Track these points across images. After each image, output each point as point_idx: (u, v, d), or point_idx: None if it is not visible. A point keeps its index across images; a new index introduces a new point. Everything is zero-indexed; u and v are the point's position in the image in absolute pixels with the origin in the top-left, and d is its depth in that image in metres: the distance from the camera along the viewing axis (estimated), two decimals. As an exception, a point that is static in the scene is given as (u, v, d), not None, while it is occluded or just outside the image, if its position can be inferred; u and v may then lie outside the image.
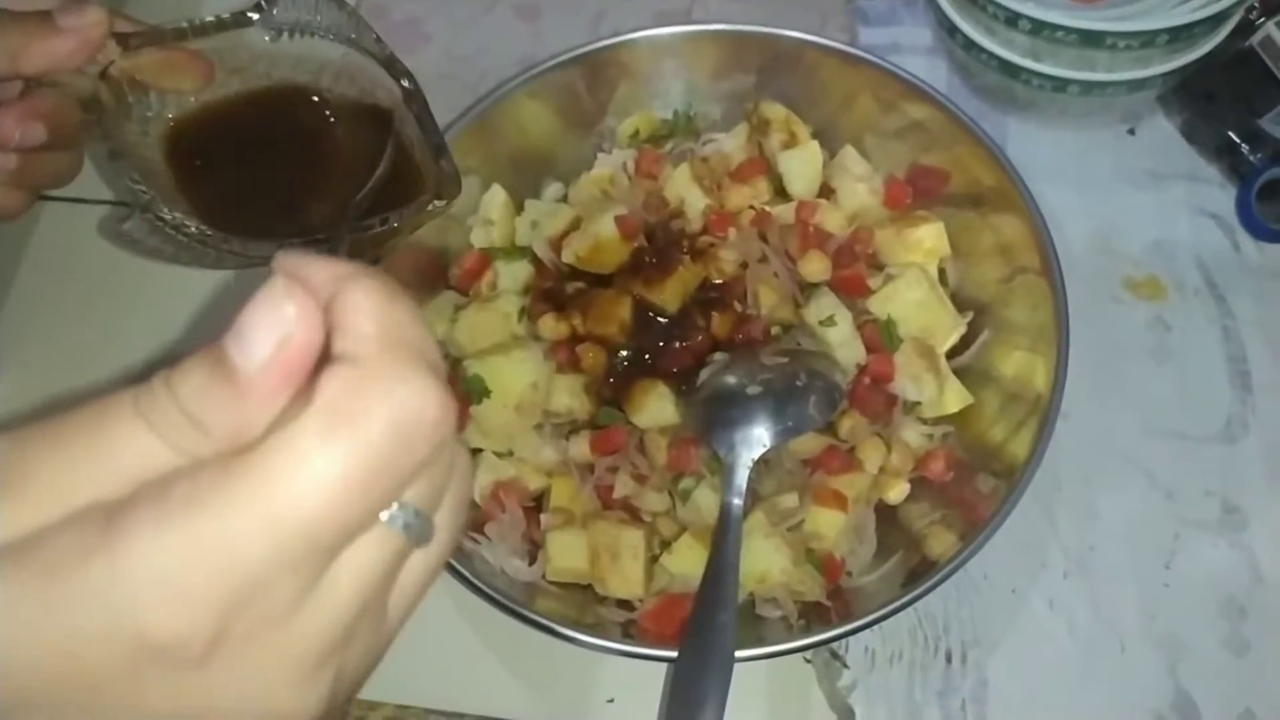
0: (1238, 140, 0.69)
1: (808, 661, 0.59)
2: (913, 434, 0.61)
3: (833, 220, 0.65)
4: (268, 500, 0.22)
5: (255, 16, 0.52)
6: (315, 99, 0.54)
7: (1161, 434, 0.64)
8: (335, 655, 0.25)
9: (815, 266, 0.63)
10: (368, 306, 0.24)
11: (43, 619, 0.22)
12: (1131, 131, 0.73)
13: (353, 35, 0.52)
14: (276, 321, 0.23)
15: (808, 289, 0.64)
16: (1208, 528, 0.61)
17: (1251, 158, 0.68)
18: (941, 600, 0.59)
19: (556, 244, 0.65)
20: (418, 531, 0.26)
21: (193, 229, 0.49)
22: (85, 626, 0.22)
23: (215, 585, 0.22)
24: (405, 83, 0.52)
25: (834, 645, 0.58)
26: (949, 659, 0.59)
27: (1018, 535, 0.60)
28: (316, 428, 0.23)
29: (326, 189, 0.53)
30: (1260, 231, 0.68)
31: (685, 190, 0.66)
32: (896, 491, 0.61)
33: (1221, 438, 0.63)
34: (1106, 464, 0.63)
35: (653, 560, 0.59)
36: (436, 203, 0.53)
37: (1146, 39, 0.62)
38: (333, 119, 0.54)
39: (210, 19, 0.52)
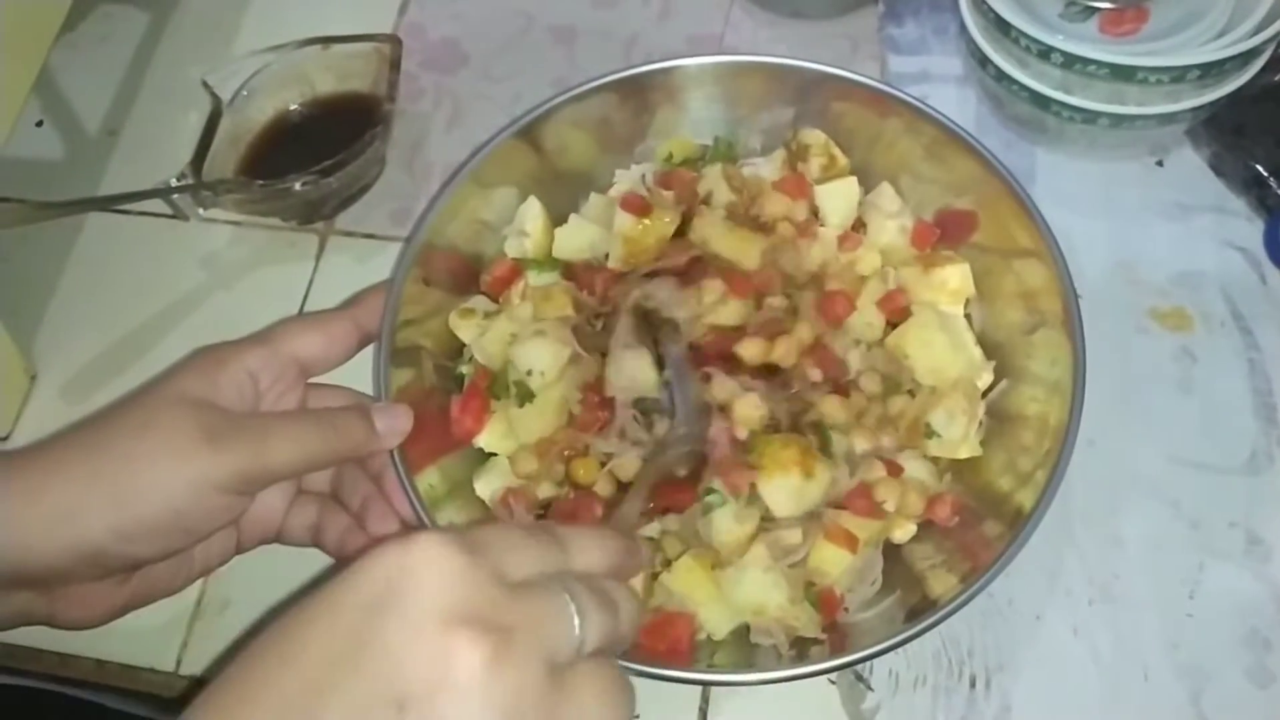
0: (1265, 174, 0.69)
1: (832, 683, 0.60)
2: (923, 473, 0.61)
3: (868, 260, 0.66)
4: None
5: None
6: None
7: (1186, 464, 0.64)
8: None
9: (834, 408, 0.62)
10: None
11: None
12: (1160, 163, 0.73)
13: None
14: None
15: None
16: (1232, 559, 0.61)
17: (1279, 191, 0.69)
18: (966, 625, 0.60)
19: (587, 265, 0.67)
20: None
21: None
22: None
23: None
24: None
25: (859, 668, 0.59)
26: (973, 684, 0.59)
27: (1043, 562, 0.61)
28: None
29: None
30: (1287, 265, 0.69)
31: (714, 185, 0.67)
32: (903, 531, 0.60)
33: (1246, 470, 0.64)
34: (1131, 493, 0.64)
35: (653, 577, 0.59)
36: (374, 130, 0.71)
37: (1178, 74, 0.63)
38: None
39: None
